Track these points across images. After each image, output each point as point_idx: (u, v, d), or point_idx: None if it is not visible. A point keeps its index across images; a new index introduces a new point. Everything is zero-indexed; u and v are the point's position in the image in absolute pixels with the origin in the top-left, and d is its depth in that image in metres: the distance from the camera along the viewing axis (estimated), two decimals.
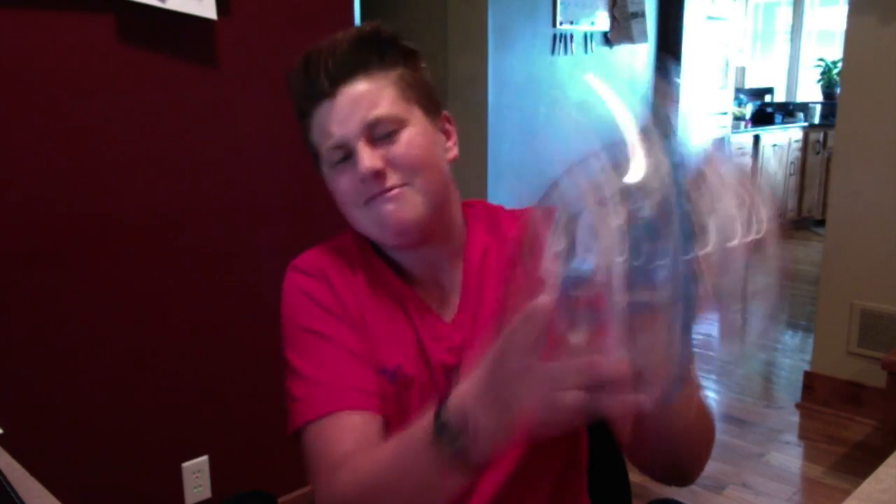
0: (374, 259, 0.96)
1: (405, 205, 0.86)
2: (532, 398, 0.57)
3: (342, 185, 0.88)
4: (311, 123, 0.89)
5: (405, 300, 0.93)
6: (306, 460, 0.84)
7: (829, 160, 5.70)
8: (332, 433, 0.82)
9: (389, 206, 0.86)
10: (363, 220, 0.90)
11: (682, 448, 0.79)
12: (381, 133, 0.86)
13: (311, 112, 0.89)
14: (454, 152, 0.95)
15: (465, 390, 0.66)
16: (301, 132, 0.93)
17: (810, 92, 6.66)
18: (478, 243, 0.96)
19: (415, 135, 0.87)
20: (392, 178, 0.86)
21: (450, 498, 0.71)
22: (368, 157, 0.84)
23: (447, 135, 0.95)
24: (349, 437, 0.81)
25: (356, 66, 0.86)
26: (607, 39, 3.50)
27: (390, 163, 0.86)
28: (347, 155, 0.86)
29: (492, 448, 0.65)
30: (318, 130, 0.88)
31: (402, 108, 0.87)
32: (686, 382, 0.60)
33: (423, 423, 0.69)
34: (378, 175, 0.85)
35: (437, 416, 0.67)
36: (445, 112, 0.95)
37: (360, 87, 0.86)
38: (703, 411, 0.79)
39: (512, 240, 0.60)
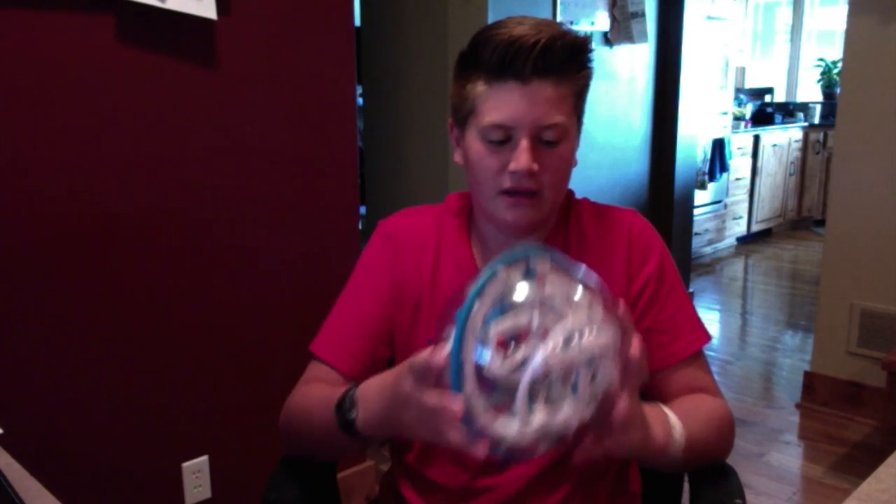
0: (465, 234, 1.03)
1: (530, 211, 0.93)
2: (413, 425, 0.73)
3: (487, 162, 0.92)
4: (485, 91, 0.90)
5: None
6: None
7: (829, 160, 5.70)
8: (314, 370, 1.02)
9: (518, 211, 0.92)
10: (489, 200, 0.94)
11: (690, 466, 0.93)
12: (547, 137, 0.90)
13: (492, 82, 0.89)
14: (575, 159, 0.99)
15: (373, 383, 0.84)
16: (461, 81, 0.93)
17: (810, 92, 6.67)
18: (557, 244, 1.01)
19: (569, 149, 0.93)
20: (536, 182, 0.91)
21: (342, 453, 0.96)
22: (530, 158, 0.89)
23: (577, 140, 0.99)
24: (319, 379, 1.00)
25: (559, 68, 0.88)
26: (607, 39, 3.50)
27: (542, 167, 0.90)
28: (506, 139, 0.90)
29: (377, 432, 0.84)
30: (493, 102, 0.89)
31: (571, 121, 0.92)
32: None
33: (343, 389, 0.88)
34: (530, 175, 0.89)
35: (349, 390, 0.86)
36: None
37: (551, 89, 0.88)
38: (695, 445, 0.88)
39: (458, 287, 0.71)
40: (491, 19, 2.91)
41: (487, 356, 0.65)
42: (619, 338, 0.69)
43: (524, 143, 0.88)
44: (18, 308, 1.53)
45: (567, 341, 0.65)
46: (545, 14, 3.17)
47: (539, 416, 0.65)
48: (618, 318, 0.70)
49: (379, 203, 3.32)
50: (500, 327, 0.66)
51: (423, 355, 0.68)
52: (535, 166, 0.89)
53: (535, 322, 0.66)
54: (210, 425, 1.85)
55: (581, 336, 0.65)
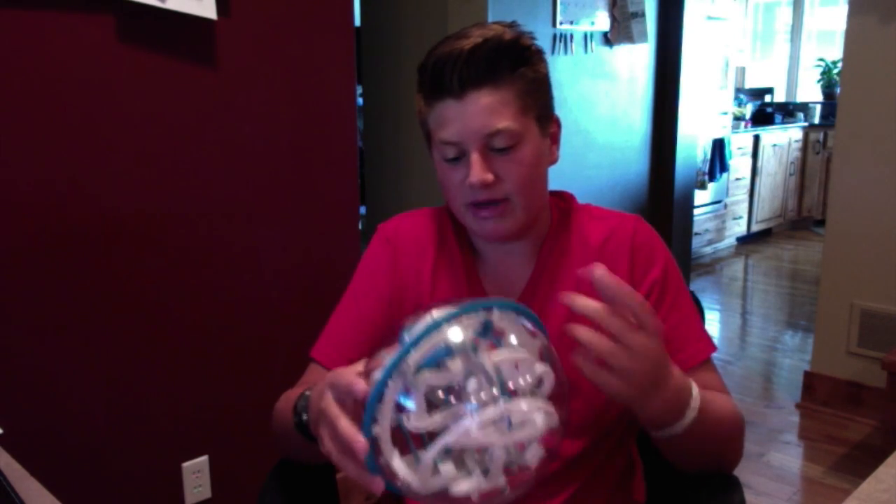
0: (464, 237, 1.02)
1: (503, 220, 0.92)
2: (323, 440, 0.69)
3: (449, 179, 0.93)
4: (432, 111, 0.92)
5: (472, 290, 0.99)
6: None
7: (829, 160, 5.70)
8: (310, 373, 1.01)
9: (489, 223, 0.92)
10: (462, 215, 0.95)
11: (696, 452, 0.89)
12: (497, 145, 0.89)
13: (434, 103, 0.91)
14: (556, 156, 0.98)
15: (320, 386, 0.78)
16: (418, 106, 0.95)
17: (810, 92, 6.66)
18: (555, 248, 0.99)
19: (527, 152, 0.91)
20: (498, 191, 0.90)
21: (304, 457, 0.92)
22: (481, 169, 0.88)
23: (553, 139, 0.97)
24: (312, 382, 0.95)
25: (489, 74, 0.88)
26: (607, 39, 3.50)
27: (500, 176, 0.89)
28: (460, 155, 0.90)
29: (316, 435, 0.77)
30: (438, 121, 0.91)
31: (521, 123, 0.90)
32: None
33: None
34: (487, 185, 0.89)
35: (307, 390, 0.84)
36: (556, 116, 0.98)
37: (487, 97, 0.88)
38: (705, 431, 0.84)
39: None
40: (491, 19, 2.92)
41: (410, 406, 0.63)
42: (555, 422, 0.66)
43: (473, 157, 0.88)
44: (19, 308, 1.53)
45: (496, 421, 0.63)
46: (545, 14, 3.17)
47: (442, 479, 0.64)
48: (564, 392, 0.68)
49: (379, 203, 3.32)
50: (431, 380, 0.64)
51: (347, 377, 0.65)
52: (489, 176, 0.88)
53: (470, 387, 0.64)
54: (210, 425, 1.85)
55: (510, 423, 0.63)
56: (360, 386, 0.63)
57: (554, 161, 0.98)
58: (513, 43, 0.90)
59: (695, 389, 0.81)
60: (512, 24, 0.92)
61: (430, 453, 0.63)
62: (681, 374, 0.79)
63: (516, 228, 0.93)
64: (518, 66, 0.90)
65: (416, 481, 0.64)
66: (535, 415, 0.65)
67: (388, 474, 0.64)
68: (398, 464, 0.64)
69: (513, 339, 0.67)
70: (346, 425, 0.64)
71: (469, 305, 0.66)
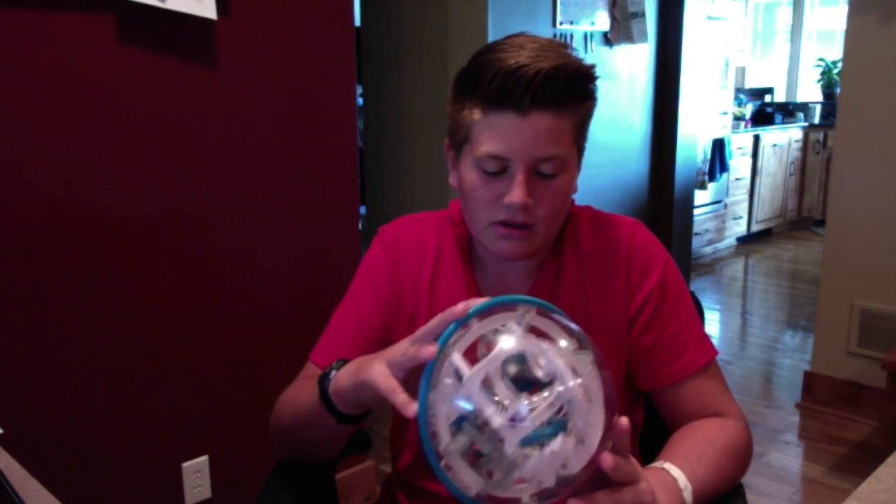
0: (465, 247, 1.01)
1: (522, 243, 0.90)
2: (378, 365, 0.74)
3: (481, 192, 0.89)
4: (485, 120, 0.86)
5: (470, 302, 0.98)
6: None
7: (829, 160, 5.70)
8: (308, 371, 1.02)
9: (510, 243, 0.90)
10: (481, 230, 0.92)
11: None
12: (544, 170, 0.87)
13: (491, 113, 0.86)
14: (576, 187, 0.96)
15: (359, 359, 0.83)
16: (465, 110, 0.89)
17: (810, 92, 6.67)
18: (554, 262, 0.99)
19: (567, 182, 0.90)
20: (531, 215, 0.88)
21: (324, 437, 0.93)
22: (525, 192, 0.86)
23: (578, 169, 0.96)
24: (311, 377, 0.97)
25: (560, 100, 0.85)
26: (607, 39, 3.50)
27: (536, 200, 0.87)
28: (501, 171, 0.87)
29: (339, 384, 0.82)
30: (488, 132, 0.86)
31: (570, 153, 0.89)
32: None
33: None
34: (526, 208, 0.87)
35: (336, 361, 0.87)
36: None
37: (550, 120, 0.85)
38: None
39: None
40: (491, 19, 2.92)
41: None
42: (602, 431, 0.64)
43: (520, 177, 0.85)
44: (19, 308, 1.53)
45: (572, 358, 0.64)
46: (545, 14, 3.17)
47: (483, 398, 0.63)
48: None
49: (379, 203, 3.32)
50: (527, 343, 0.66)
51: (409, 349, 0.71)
52: (531, 200, 0.86)
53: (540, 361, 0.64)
54: (210, 425, 1.85)
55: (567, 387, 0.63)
56: (427, 351, 0.67)
57: (575, 191, 0.96)
58: (588, 73, 0.88)
59: (685, 491, 0.81)
60: (566, 45, 0.89)
61: (485, 361, 0.63)
62: (664, 491, 0.78)
63: (531, 252, 0.92)
64: (587, 99, 0.89)
65: (467, 376, 0.63)
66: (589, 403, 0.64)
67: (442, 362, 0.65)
68: (459, 357, 0.65)
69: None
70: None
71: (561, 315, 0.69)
